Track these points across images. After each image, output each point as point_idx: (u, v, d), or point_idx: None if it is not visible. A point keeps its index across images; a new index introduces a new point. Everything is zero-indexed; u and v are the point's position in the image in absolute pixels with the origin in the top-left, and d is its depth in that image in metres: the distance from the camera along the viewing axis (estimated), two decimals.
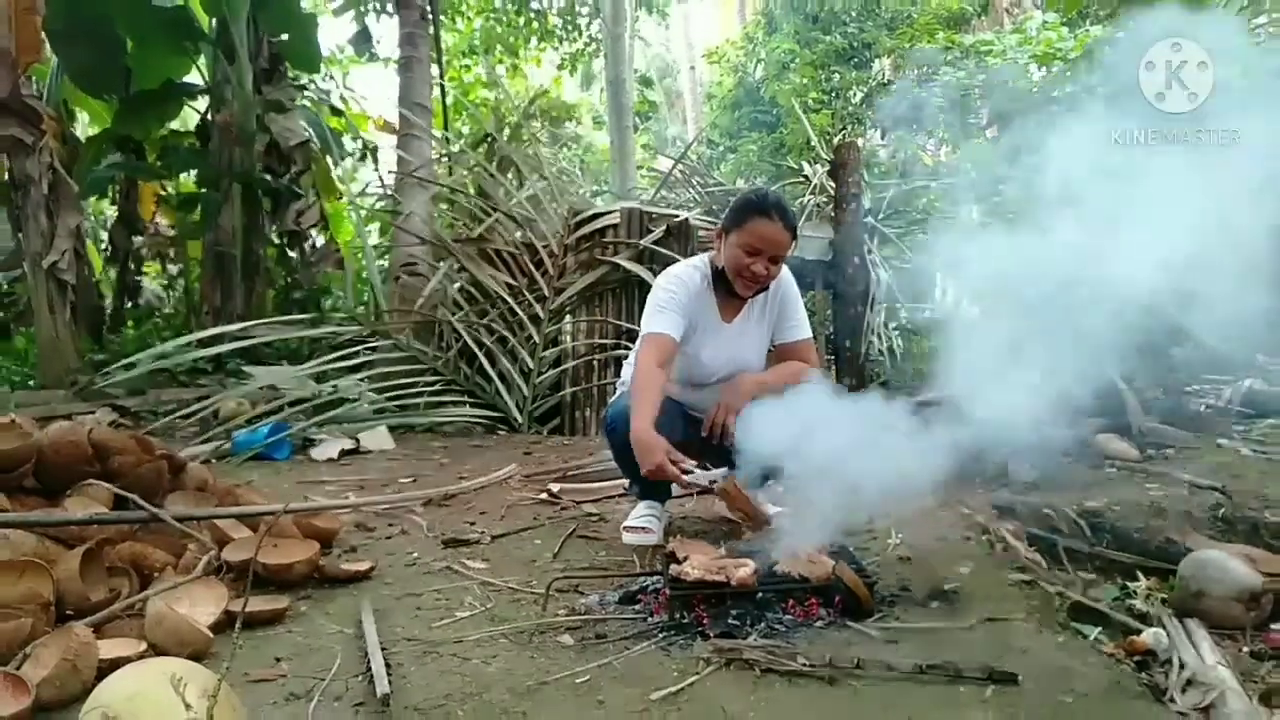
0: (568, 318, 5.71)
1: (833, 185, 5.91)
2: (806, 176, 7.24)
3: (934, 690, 1.50)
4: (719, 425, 2.32)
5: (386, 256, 7.33)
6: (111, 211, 8.99)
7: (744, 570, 1.85)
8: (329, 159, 8.40)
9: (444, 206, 7.24)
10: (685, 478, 2.06)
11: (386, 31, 17.97)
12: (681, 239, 5.50)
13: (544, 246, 5.70)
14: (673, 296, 2.34)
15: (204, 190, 7.37)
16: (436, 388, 5.44)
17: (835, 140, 8.11)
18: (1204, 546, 2.14)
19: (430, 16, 7.56)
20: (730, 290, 2.38)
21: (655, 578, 2.03)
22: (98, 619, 1.72)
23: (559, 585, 2.04)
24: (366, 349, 5.62)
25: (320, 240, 8.28)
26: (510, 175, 6.60)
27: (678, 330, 2.31)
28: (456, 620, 1.90)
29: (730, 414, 2.29)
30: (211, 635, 1.71)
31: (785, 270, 2.46)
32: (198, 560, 1.96)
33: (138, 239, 8.29)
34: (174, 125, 8.02)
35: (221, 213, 6.97)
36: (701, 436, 2.36)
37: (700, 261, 2.46)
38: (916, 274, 6.03)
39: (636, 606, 1.93)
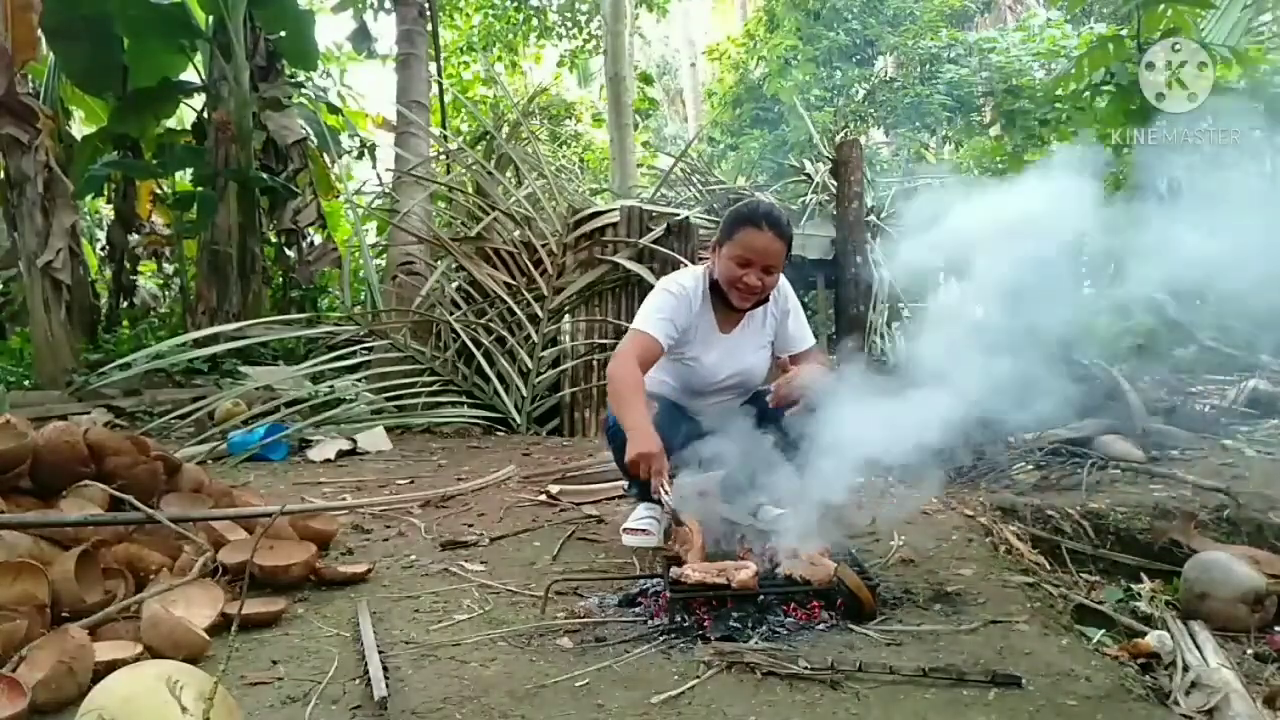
0: (567, 317, 5.68)
1: (835, 183, 5.90)
2: (808, 174, 7.23)
3: (937, 693, 1.49)
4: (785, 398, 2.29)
5: (384, 255, 7.31)
6: (107, 210, 8.98)
7: (745, 573, 1.83)
8: (326, 157, 8.38)
9: (442, 205, 7.22)
10: (663, 495, 2.06)
11: (384, 28, 17.97)
12: (682, 238, 5.48)
13: (543, 245, 5.67)
14: (674, 304, 2.34)
15: (200, 189, 7.35)
16: (434, 388, 5.41)
17: (837, 138, 8.09)
18: (1208, 548, 2.13)
19: (428, 13, 7.54)
20: (727, 302, 2.36)
21: (655, 580, 2.02)
22: (93, 621, 1.71)
23: (558, 588, 2.02)
24: (364, 349, 5.60)
25: (317, 239, 8.26)
26: (509, 173, 6.58)
27: (667, 339, 2.32)
28: (455, 623, 1.89)
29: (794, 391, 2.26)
30: (208, 638, 1.70)
31: (784, 282, 2.46)
32: (194, 562, 1.95)
33: (133, 238, 8.27)
34: (170, 123, 8.00)
35: (218, 211, 6.95)
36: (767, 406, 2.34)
37: (699, 272, 2.46)
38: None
39: (636, 609, 1.92)
